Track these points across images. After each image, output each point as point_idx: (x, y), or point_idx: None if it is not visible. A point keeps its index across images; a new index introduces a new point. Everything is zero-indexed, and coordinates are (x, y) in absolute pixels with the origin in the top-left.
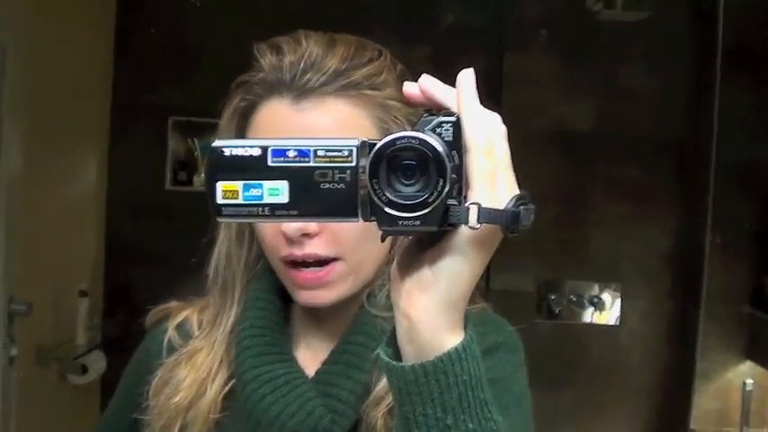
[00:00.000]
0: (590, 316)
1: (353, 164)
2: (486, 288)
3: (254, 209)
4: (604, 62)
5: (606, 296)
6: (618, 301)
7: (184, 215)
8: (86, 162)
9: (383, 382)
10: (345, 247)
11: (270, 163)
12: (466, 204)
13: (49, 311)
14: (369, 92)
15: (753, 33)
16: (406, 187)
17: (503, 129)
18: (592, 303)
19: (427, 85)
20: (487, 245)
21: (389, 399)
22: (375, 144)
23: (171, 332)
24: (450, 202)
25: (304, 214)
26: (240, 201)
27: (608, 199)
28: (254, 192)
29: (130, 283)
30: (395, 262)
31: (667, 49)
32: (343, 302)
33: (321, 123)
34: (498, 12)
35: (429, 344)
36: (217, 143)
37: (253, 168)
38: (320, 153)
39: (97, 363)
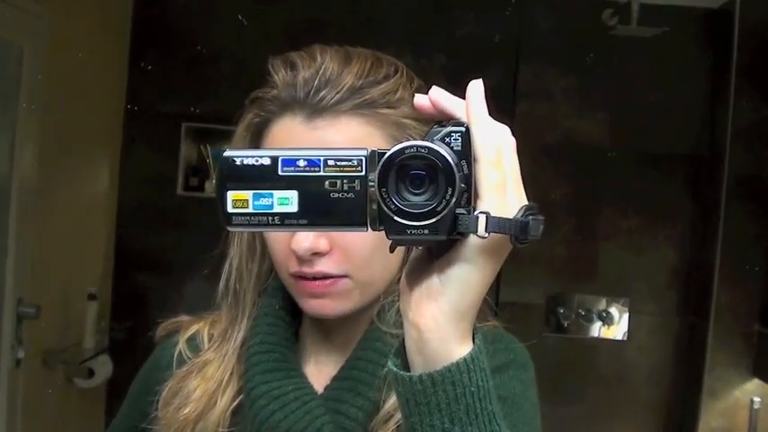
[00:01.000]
0: (598, 330)
1: (363, 173)
2: (496, 301)
3: (264, 218)
4: (618, 77)
5: (614, 311)
6: (626, 316)
7: (196, 220)
8: (98, 166)
9: (392, 400)
10: (354, 265)
11: (280, 172)
12: (475, 213)
13: (57, 314)
14: (384, 110)
15: (766, 49)
16: (414, 196)
17: (512, 140)
18: (600, 318)
19: (437, 97)
20: (496, 254)
21: (398, 416)
22: (384, 153)
23: (181, 345)
24: (459, 211)
25: (313, 224)
26: (250, 210)
27: (618, 213)
28: (264, 201)
29: (139, 287)
30: (404, 272)
31: (681, 65)
32: (352, 318)
33: (334, 141)
34: (513, 25)
35: (437, 354)
36: (228, 152)
37: (263, 178)
38: (330, 163)
39: (104, 367)
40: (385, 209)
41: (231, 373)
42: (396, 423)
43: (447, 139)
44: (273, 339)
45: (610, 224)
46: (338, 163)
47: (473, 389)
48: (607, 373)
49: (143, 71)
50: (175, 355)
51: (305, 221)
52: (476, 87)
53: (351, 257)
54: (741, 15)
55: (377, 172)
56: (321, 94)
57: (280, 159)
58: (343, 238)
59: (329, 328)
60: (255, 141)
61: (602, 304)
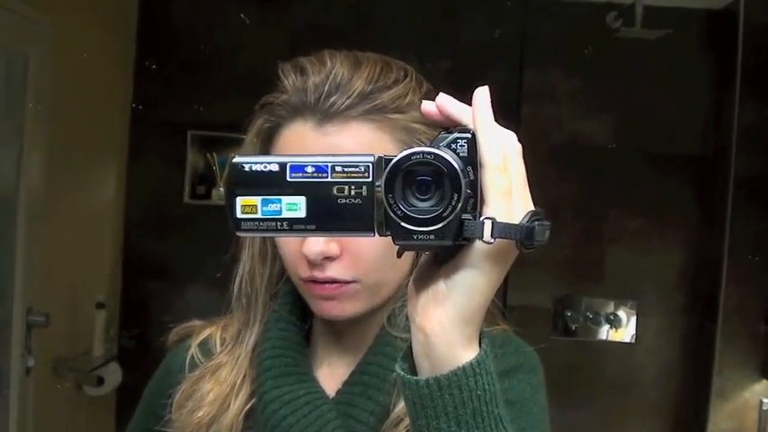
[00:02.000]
0: (606, 333)
1: (370, 179)
2: (503, 305)
3: (273, 223)
4: (623, 79)
5: (622, 313)
6: (633, 319)
7: (203, 228)
8: (105, 175)
9: (402, 404)
10: (363, 270)
11: (288, 178)
12: (481, 219)
13: (66, 323)
14: (393, 115)
15: None
16: (421, 202)
17: (518, 146)
18: (608, 320)
19: (444, 104)
20: (502, 260)
21: (408, 420)
22: (391, 159)
23: (194, 349)
24: (465, 216)
25: (321, 229)
26: (259, 215)
27: (625, 215)
28: (272, 207)
29: (147, 295)
30: (412, 277)
31: (685, 66)
32: (362, 322)
33: (344, 147)
34: (518, 28)
35: (444, 358)
36: (237, 159)
37: (271, 184)
38: (338, 169)
39: (113, 375)
40: (391, 214)
41: (244, 377)
42: (405, 427)
43: (453, 146)
44: (284, 344)
45: (616, 226)
46: (346, 169)
47: (479, 392)
48: (615, 376)
49: (149, 79)
50: (188, 359)
51: (313, 227)
52: (482, 94)
53: (360, 262)
54: (745, 16)
55: (383, 178)
56: (331, 100)
57: (288, 165)
58: (353, 243)
59: (340, 332)
60: (265, 147)
61: (610, 307)
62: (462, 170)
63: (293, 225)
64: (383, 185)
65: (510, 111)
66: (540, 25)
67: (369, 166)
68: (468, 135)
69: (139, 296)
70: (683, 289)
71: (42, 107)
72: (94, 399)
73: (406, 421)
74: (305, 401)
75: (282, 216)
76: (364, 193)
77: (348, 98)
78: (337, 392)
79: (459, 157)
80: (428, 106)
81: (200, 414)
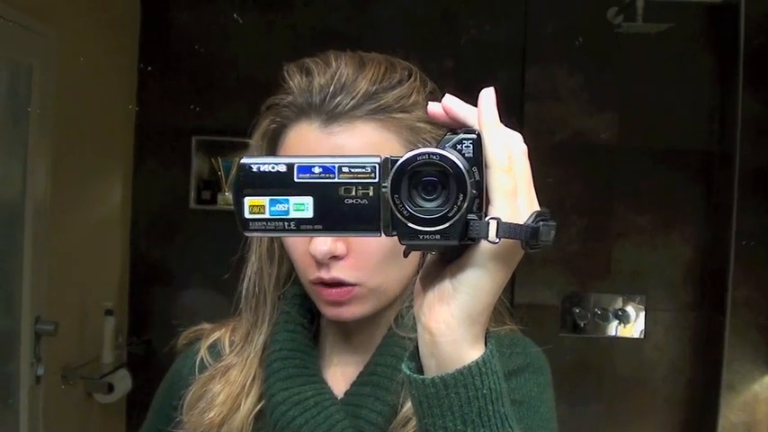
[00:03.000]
0: (614, 329)
1: (376, 180)
2: (511, 302)
3: (281, 223)
4: (626, 74)
5: (630, 309)
6: (642, 314)
7: (209, 233)
8: (111, 183)
9: (410, 404)
10: (368, 271)
11: (296, 179)
12: (486, 219)
13: (75, 331)
14: (398, 115)
15: None
16: (427, 202)
17: (523, 147)
18: (616, 316)
19: (450, 105)
20: (507, 259)
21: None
22: (397, 160)
23: (203, 352)
24: (471, 216)
25: (328, 229)
26: (267, 215)
27: (631, 211)
28: (280, 207)
29: (155, 301)
30: (418, 276)
31: (689, 61)
32: (370, 322)
33: (350, 147)
34: (519, 26)
35: (450, 357)
36: (245, 159)
37: (279, 184)
38: (344, 169)
39: (123, 381)
40: (398, 214)
41: (253, 378)
42: (414, 427)
43: (459, 147)
44: (293, 345)
45: (623, 222)
46: (352, 170)
47: (485, 391)
48: (625, 372)
49: (152, 86)
50: (197, 362)
51: (320, 227)
52: (487, 95)
53: (366, 262)
54: (746, 9)
55: (390, 179)
56: (337, 100)
57: (295, 166)
58: (359, 243)
59: (349, 333)
60: (271, 147)
61: (618, 303)
62: (468, 171)
63: (301, 225)
64: (389, 186)
65: (513, 109)
66: (542, 23)
67: (375, 167)
68: (474, 136)
69: (147, 302)
70: (690, 283)
71: (47, 117)
72: (105, 406)
73: (414, 421)
74: (314, 402)
75: (290, 216)
76: (371, 194)
77: (353, 98)
78: (346, 393)
79: (465, 158)
80: (434, 108)
81: (212, 415)
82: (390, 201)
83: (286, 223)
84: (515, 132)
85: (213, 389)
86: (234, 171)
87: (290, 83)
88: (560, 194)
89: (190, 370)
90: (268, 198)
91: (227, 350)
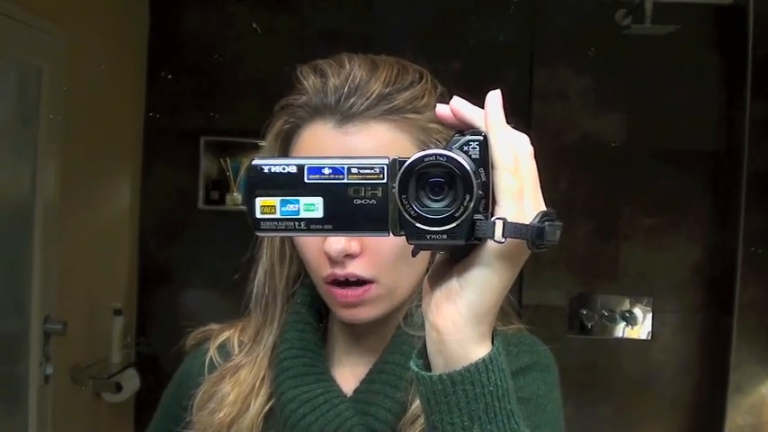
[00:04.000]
0: (622, 330)
1: (384, 180)
2: (519, 304)
3: (291, 223)
4: (633, 76)
5: (638, 310)
6: (649, 316)
7: (217, 233)
8: (120, 183)
9: (419, 401)
10: (382, 268)
11: (306, 180)
12: (492, 219)
13: (83, 330)
14: (411, 115)
15: None
16: (434, 203)
17: (530, 148)
18: (623, 318)
19: (457, 107)
20: (514, 259)
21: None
22: (405, 162)
23: (212, 352)
24: (477, 217)
25: (338, 229)
26: (277, 215)
27: (639, 212)
28: (290, 207)
29: (164, 301)
30: (427, 275)
31: (696, 62)
32: (380, 322)
33: (364, 147)
34: (527, 28)
35: (457, 355)
36: (256, 161)
37: (290, 185)
38: (353, 171)
39: (131, 381)
40: (405, 215)
41: (263, 377)
42: (422, 424)
43: (465, 148)
44: (302, 345)
45: (630, 223)
46: (361, 171)
47: (491, 388)
48: (632, 374)
49: (161, 87)
50: (206, 362)
51: (330, 227)
52: (494, 97)
53: (380, 260)
54: (755, 10)
55: (397, 179)
56: (351, 101)
57: (306, 167)
58: (373, 242)
59: (358, 333)
60: (284, 148)
61: (626, 304)
62: (474, 172)
63: (311, 225)
64: (397, 187)
65: (521, 111)
66: (550, 24)
67: (383, 168)
68: (481, 137)
69: (156, 302)
70: (698, 284)
71: (56, 118)
72: (113, 405)
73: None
74: (323, 400)
75: (300, 216)
76: (379, 194)
77: (367, 99)
78: (355, 391)
79: (471, 159)
80: (442, 109)
81: (221, 415)
82: (398, 201)
83: (296, 223)
84: (522, 134)
85: (223, 389)
86: (245, 172)
87: (305, 83)
88: (568, 195)
89: (199, 370)
90: (279, 198)
91: (236, 350)
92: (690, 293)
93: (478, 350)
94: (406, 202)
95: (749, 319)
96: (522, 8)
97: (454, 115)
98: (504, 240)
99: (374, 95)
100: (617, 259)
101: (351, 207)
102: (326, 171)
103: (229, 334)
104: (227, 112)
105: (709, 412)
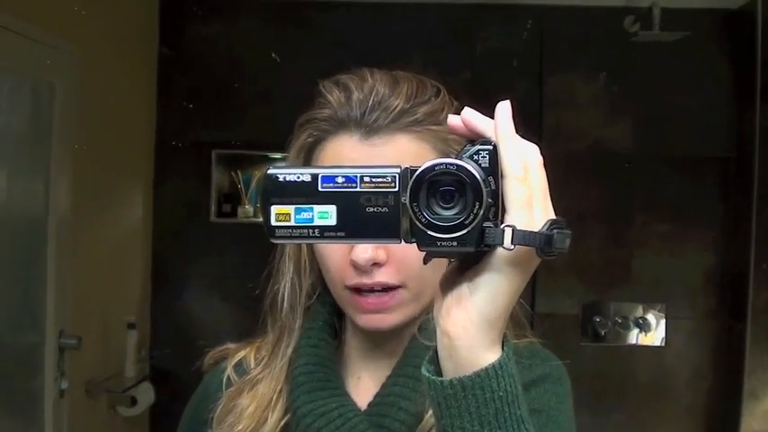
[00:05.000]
0: (635, 337)
1: (396, 189)
2: (532, 312)
3: (305, 231)
4: (643, 82)
5: (651, 317)
6: (663, 322)
7: (229, 246)
8: (132, 198)
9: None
10: (409, 274)
11: (320, 188)
12: (501, 227)
13: (98, 344)
14: (432, 127)
15: None
16: (444, 210)
17: (539, 158)
18: (637, 325)
19: (468, 117)
20: (523, 266)
21: None
22: (416, 170)
23: (229, 371)
24: (487, 224)
25: (351, 236)
26: (292, 223)
27: (651, 219)
28: (305, 215)
29: (177, 314)
30: (438, 281)
31: (706, 68)
32: (396, 333)
33: (390, 157)
34: (536, 36)
35: (467, 360)
36: (271, 170)
37: (304, 193)
38: (366, 179)
39: (146, 394)
40: (416, 222)
41: (280, 390)
42: None
43: (475, 157)
44: (317, 360)
45: (642, 230)
46: (373, 179)
47: (501, 393)
48: (646, 380)
49: (172, 101)
50: (224, 381)
51: (343, 234)
52: (503, 108)
53: (407, 268)
54: (763, 15)
55: (409, 188)
56: (375, 115)
57: (320, 176)
58: (398, 251)
59: (374, 345)
60: (308, 160)
61: (639, 311)
62: (484, 180)
63: (324, 232)
64: (408, 195)
65: (532, 119)
66: (558, 32)
67: (395, 177)
68: (490, 147)
69: (169, 315)
70: (711, 290)
71: (69, 133)
72: (128, 419)
73: None
74: (338, 414)
75: (314, 224)
76: (391, 202)
77: (391, 113)
78: (369, 404)
79: (481, 168)
80: (454, 120)
81: (240, 428)
82: (409, 209)
83: (310, 230)
84: (531, 143)
85: (241, 402)
86: (261, 181)
87: (328, 97)
88: (580, 203)
89: (217, 387)
90: (293, 206)
91: (253, 367)
92: (703, 299)
93: (489, 356)
94: (417, 210)
95: (763, 325)
96: (530, 17)
97: (465, 125)
98: (513, 247)
99: (397, 110)
100: (629, 266)
101: (363, 215)
102: (340, 180)
103: (246, 352)
104: (239, 125)
105: (724, 419)
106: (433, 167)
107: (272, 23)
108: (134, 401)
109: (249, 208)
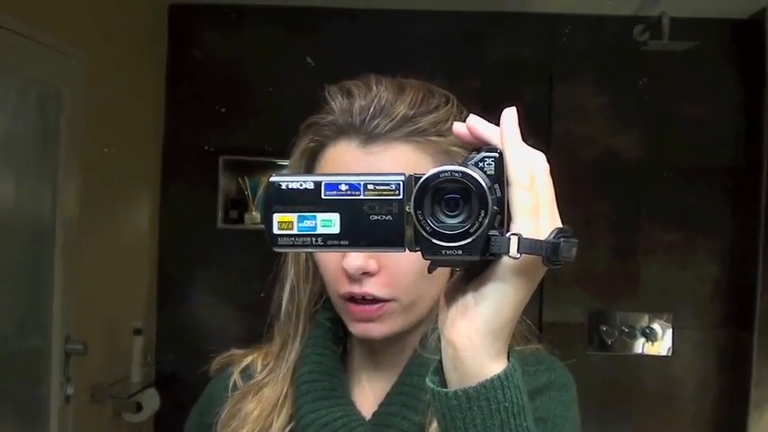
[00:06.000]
0: (642, 347)
1: (400, 197)
2: (539, 321)
3: (308, 239)
4: (652, 92)
5: (657, 326)
6: (669, 332)
7: (236, 252)
8: (139, 203)
9: (436, 423)
10: (400, 288)
11: (323, 196)
12: (507, 235)
13: (104, 350)
14: (435, 138)
15: None
16: (449, 218)
17: (545, 166)
18: (643, 334)
19: (474, 125)
20: (529, 275)
21: None
22: (420, 178)
23: (236, 376)
24: (492, 232)
25: (354, 244)
26: (295, 231)
27: (658, 228)
28: (307, 223)
29: (183, 320)
30: (443, 291)
31: (715, 77)
32: (398, 343)
33: (387, 167)
34: (545, 45)
35: (472, 371)
36: (274, 178)
37: (307, 201)
38: (370, 187)
39: (151, 400)
40: (421, 230)
41: (285, 395)
42: None
43: (481, 164)
44: (321, 368)
45: (650, 239)
46: (377, 187)
47: (507, 404)
48: (653, 390)
49: (179, 107)
50: (230, 386)
51: (346, 242)
52: (509, 115)
53: (398, 280)
54: None
55: (413, 195)
56: (376, 122)
57: (323, 184)
58: (391, 261)
59: (376, 354)
60: (310, 165)
61: (645, 320)
62: (489, 187)
63: (327, 241)
64: (413, 202)
65: (540, 128)
66: (568, 41)
67: (399, 184)
68: (496, 154)
69: (175, 321)
70: (718, 300)
71: (76, 139)
72: (134, 425)
73: None
74: (341, 423)
75: (317, 232)
76: (395, 210)
77: (392, 121)
78: (374, 414)
79: (487, 175)
80: (459, 127)
81: (245, 431)
82: (414, 217)
83: (313, 239)
84: (538, 151)
85: (246, 407)
86: (263, 189)
87: (332, 103)
88: (587, 212)
89: (223, 392)
90: (296, 214)
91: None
92: (710, 309)
93: (494, 366)
94: (421, 218)
95: None
96: (540, 25)
97: (470, 133)
98: (519, 256)
99: (399, 117)
100: (636, 275)
101: (367, 223)
102: (343, 187)
103: (253, 358)
104: (246, 131)
105: (731, 428)
106: (437, 175)
107: (280, 30)
108: (139, 407)
109: (256, 214)
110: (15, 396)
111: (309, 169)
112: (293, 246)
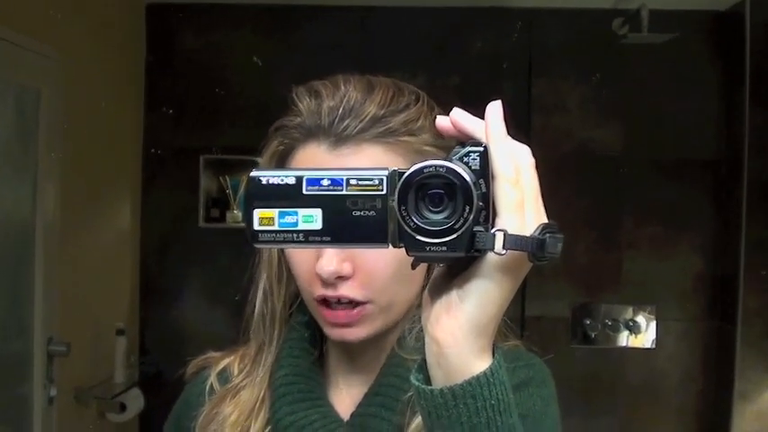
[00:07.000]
0: (626, 339)
1: (384, 192)
2: (522, 316)
3: (289, 235)
4: (632, 85)
5: (641, 319)
6: (653, 324)
7: (218, 251)
8: (120, 203)
9: (415, 422)
10: (376, 290)
11: (304, 191)
12: (492, 231)
13: (87, 351)
14: (405, 138)
15: None
16: (433, 214)
17: (531, 160)
18: (627, 327)
19: (457, 118)
20: (514, 271)
21: None
22: (404, 173)
23: (212, 379)
24: (477, 228)
25: (336, 240)
26: (276, 227)
27: (640, 222)
28: (289, 219)
29: (166, 320)
30: (427, 287)
31: (695, 70)
32: (374, 343)
33: None
34: (525, 39)
35: (457, 368)
36: (254, 173)
37: (288, 196)
38: (352, 182)
39: (135, 401)
40: (405, 226)
41: (263, 399)
42: None
43: (465, 159)
44: (298, 371)
45: (631, 233)
46: (360, 182)
47: (493, 402)
48: (637, 383)
49: (159, 106)
50: (207, 389)
51: (328, 238)
52: (494, 108)
53: (373, 282)
54: (751, 16)
55: (397, 191)
56: (345, 123)
57: (304, 179)
58: (366, 263)
59: (354, 356)
60: (279, 168)
61: (629, 313)
62: (474, 183)
63: (309, 237)
64: (396, 198)
65: (520, 122)
66: (547, 35)
67: (383, 180)
68: (481, 148)
69: (158, 321)
70: (701, 292)
71: (55, 140)
72: (118, 425)
73: None
74: (320, 425)
75: (299, 228)
76: (378, 206)
77: (361, 121)
78: (352, 415)
79: (472, 170)
80: (442, 121)
81: None
82: (397, 213)
83: (295, 235)
84: (523, 145)
85: (224, 410)
86: (244, 184)
87: (300, 105)
88: (568, 206)
89: (200, 396)
90: (277, 210)
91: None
92: (693, 301)
93: (479, 363)
94: (405, 214)
95: (753, 327)
96: (519, 20)
97: (454, 126)
98: (504, 252)
99: (368, 118)
100: (619, 268)
101: (350, 219)
102: (325, 182)
103: (229, 361)
104: (226, 130)
105: (715, 420)
106: (421, 170)
107: (259, 29)
108: (123, 408)
109: (238, 213)
110: None
111: None
112: (274, 242)
